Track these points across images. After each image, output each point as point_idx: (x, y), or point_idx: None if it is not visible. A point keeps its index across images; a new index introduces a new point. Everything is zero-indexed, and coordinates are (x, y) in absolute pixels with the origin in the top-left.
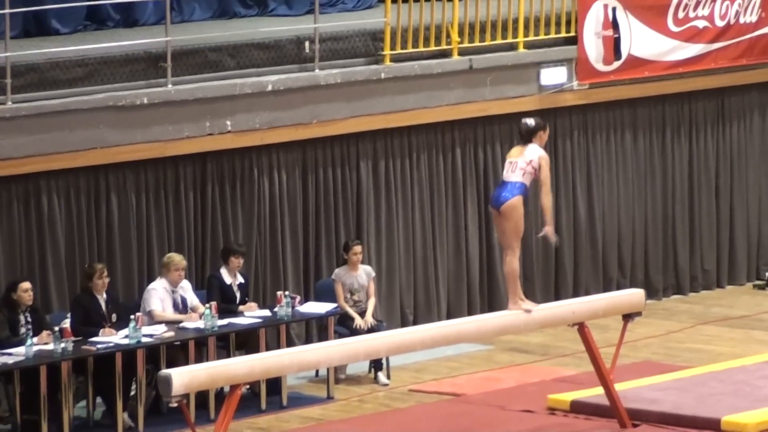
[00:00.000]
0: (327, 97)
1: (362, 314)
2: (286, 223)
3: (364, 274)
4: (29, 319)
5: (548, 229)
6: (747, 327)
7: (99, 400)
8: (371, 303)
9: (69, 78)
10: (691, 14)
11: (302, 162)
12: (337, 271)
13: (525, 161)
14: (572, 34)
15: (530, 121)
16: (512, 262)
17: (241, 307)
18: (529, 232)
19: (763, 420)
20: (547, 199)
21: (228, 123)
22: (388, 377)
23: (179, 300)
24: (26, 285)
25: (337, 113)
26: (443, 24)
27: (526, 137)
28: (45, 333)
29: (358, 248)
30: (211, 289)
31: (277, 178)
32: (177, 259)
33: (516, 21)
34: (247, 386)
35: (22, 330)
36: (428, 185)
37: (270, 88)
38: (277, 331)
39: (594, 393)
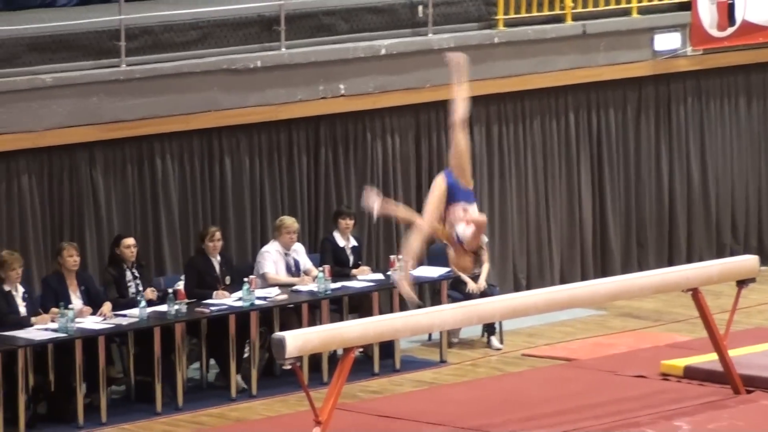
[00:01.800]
0: (440, 62)
1: (475, 279)
2: (398, 186)
3: None
4: (136, 274)
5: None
6: None
7: (212, 362)
8: (485, 268)
9: (183, 41)
10: None
11: (415, 126)
12: None
13: None
14: None
15: None
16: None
17: (354, 271)
18: (643, 200)
19: None
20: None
21: (341, 87)
22: (501, 341)
23: (292, 263)
24: (129, 241)
25: (449, 78)
26: None
27: None
28: (149, 290)
29: None
30: (324, 252)
31: (390, 142)
32: (289, 222)
33: None
34: (360, 349)
35: (131, 285)
36: (541, 150)
37: (383, 52)
38: (390, 294)
39: (707, 359)
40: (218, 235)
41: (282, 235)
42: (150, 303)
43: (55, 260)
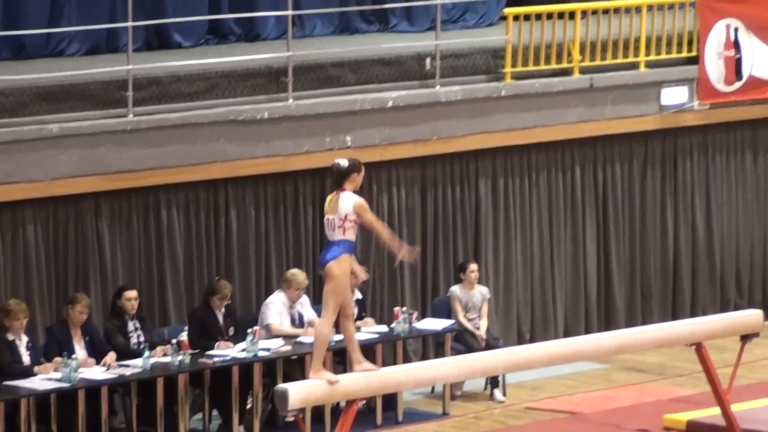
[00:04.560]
0: (447, 114)
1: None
2: (404, 238)
3: (479, 293)
4: (138, 326)
5: (401, 255)
6: None
7: (215, 412)
8: (483, 323)
9: (190, 91)
10: None
11: (421, 178)
12: (452, 288)
13: (340, 218)
14: (693, 53)
15: (343, 162)
16: (325, 326)
17: (358, 323)
18: (648, 254)
19: None
20: (384, 234)
21: (348, 138)
22: (504, 394)
23: (296, 314)
24: (131, 293)
25: (456, 130)
26: (564, 42)
27: (339, 180)
28: (159, 348)
29: (473, 267)
30: None
31: (396, 194)
32: (301, 278)
33: (637, 40)
34: (364, 401)
35: (132, 337)
36: (547, 203)
37: (390, 104)
38: (393, 346)
39: (710, 413)
40: (229, 292)
41: (291, 288)
42: None
43: (64, 308)
